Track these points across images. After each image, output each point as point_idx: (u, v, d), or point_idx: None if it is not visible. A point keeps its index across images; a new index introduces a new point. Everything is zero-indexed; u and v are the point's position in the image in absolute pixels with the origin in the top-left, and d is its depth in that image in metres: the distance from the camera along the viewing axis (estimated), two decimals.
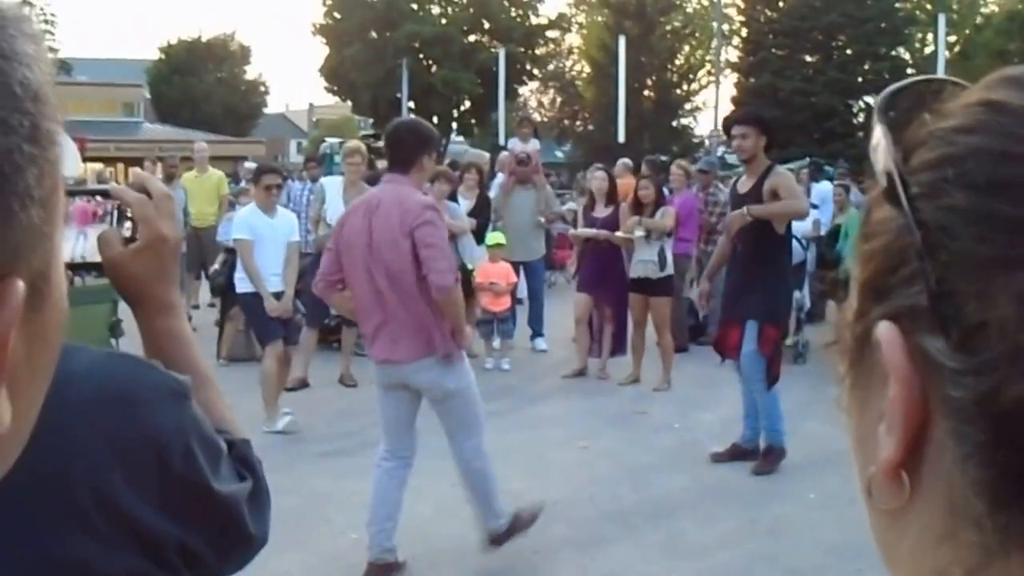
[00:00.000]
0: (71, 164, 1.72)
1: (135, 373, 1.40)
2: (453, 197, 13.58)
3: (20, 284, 0.68)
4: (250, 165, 31.46)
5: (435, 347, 6.64)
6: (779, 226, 9.16)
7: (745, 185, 9.24)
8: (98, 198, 1.80)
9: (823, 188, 17.47)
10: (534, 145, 14.94)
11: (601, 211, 12.38)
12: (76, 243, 1.67)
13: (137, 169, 1.85)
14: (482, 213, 14.08)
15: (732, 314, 9.25)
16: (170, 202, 1.70)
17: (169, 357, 1.62)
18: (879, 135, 0.70)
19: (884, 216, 0.69)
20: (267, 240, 10.35)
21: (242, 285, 10.48)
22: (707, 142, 48.80)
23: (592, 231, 12.32)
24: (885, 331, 0.66)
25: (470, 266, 13.29)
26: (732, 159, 40.59)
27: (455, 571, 6.95)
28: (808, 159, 26.53)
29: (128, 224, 1.67)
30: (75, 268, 1.79)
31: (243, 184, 18.92)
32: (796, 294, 13.44)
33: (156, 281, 1.69)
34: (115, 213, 1.64)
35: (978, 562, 0.65)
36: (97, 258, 1.63)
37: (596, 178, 13.00)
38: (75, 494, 1.27)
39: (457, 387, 6.91)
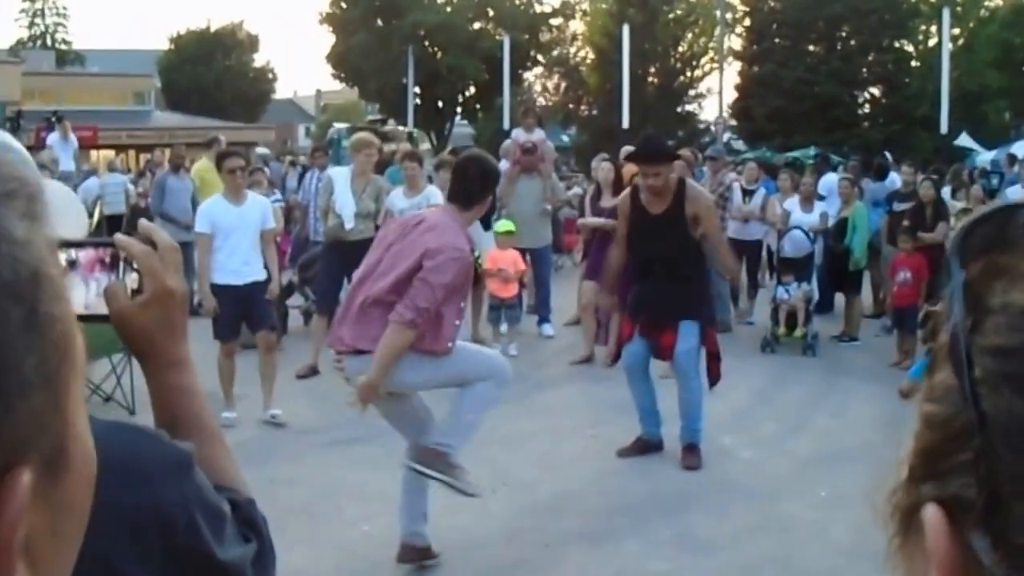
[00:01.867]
0: (74, 224, 1.69)
1: (138, 445, 1.38)
2: None
3: (24, 477, 0.65)
4: (261, 151, 31.53)
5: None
6: (715, 240, 9.33)
7: (655, 206, 8.93)
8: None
9: (829, 180, 17.40)
10: (539, 135, 14.89)
11: (608, 201, 12.36)
12: (83, 291, 1.63)
13: (143, 220, 1.81)
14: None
15: (662, 316, 8.97)
16: (176, 254, 1.66)
17: (176, 412, 1.62)
18: (953, 285, 0.65)
19: (947, 382, 0.64)
20: (234, 229, 10.05)
21: (218, 277, 10.14)
22: (712, 128, 48.73)
23: (600, 220, 12.30)
24: (932, 518, 0.63)
25: (477, 252, 13.27)
26: (738, 145, 40.70)
27: (465, 564, 6.92)
28: (814, 150, 26.53)
29: (134, 275, 1.62)
30: (82, 320, 1.73)
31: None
32: (804, 286, 13.45)
33: (163, 335, 1.66)
34: (122, 264, 1.60)
35: None
36: (103, 309, 1.58)
37: (602, 168, 13.03)
38: (82, 569, 1.24)
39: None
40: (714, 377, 9.17)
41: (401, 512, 6.86)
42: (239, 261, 10.04)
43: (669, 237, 8.81)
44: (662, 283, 8.88)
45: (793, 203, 15.06)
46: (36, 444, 0.66)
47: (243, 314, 10.11)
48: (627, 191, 9.52)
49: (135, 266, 1.61)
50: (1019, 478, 0.58)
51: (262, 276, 10.21)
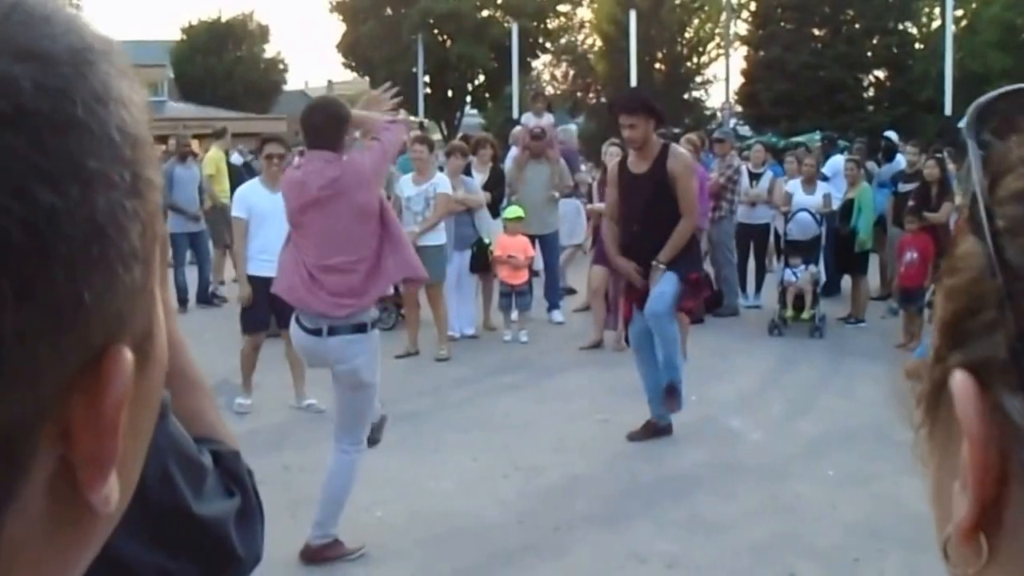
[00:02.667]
0: None
1: None
2: (467, 171, 13.60)
3: (128, 353, 0.62)
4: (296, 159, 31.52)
5: None
6: (687, 208, 8.93)
7: (638, 166, 8.95)
8: None
9: (836, 161, 17.37)
10: (548, 119, 14.94)
11: None
12: None
13: None
14: (496, 187, 14.08)
15: (645, 274, 8.96)
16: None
17: None
18: (970, 152, 0.63)
19: (967, 249, 0.62)
20: (270, 217, 9.62)
21: (252, 267, 10.04)
22: (719, 114, 48.63)
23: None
24: (960, 384, 0.60)
25: (487, 240, 13.32)
26: (744, 131, 40.59)
27: (477, 547, 6.94)
28: (819, 133, 26.45)
29: None
30: None
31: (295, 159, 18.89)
32: (811, 268, 13.45)
33: None
34: None
35: None
36: None
37: (611, 154, 13.00)
38: None
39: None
40: (688, 311, 9.46)
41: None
42: (273, 250, 9.76)
43: (650, 195, 8.78)
44: (646, 243, 8.84)
45: (795, 185, 15.06)
46: (131, 323, 0.64)
47: (273, 306, 9.65)
48: (618, 158, 9.50)
49: None
50: None
51: None
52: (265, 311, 9.83)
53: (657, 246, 8.77)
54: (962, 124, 0.66)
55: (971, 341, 0.60)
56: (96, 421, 0.60)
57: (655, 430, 9.20)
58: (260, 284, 9.49)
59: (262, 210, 9.94)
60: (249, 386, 10.08)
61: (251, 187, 10.40)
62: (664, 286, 8.77)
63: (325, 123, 6.82)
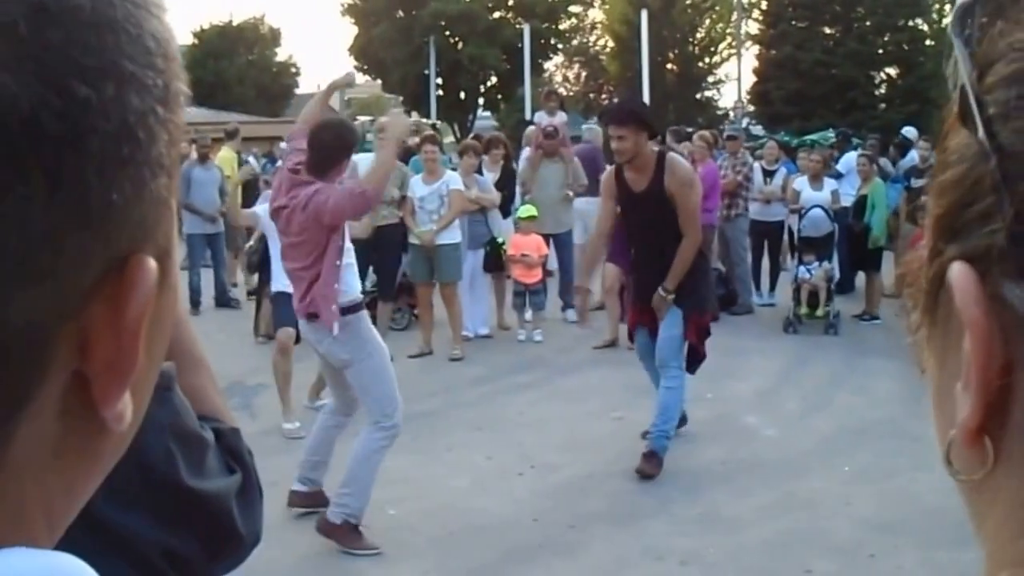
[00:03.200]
0: None
1: None
2: (478, 170, 13.61)
3: (153, 263, 0.62)
4: (285, 146, 31.71)
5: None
6: (687, 225, 8.30)
7: (638, 183, 8.37)
8: None
9: (849, 158, 17.27)
10: (561, 118, 14.92)
11: None
12: None
13: None
14: (507, 186, 14.09)
15: (649, 303, 8.47)
16: None
17: None
18: (955, 50, 0.61)
19: (959, 142, 0.60)
20: None
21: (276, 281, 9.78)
22: (731, 114, 48.65)
23: None
24: (958, 275, 0.58)
25: (500, 239, 13.32)
26: (757, 130, 40.59)
27: (492, 545, 6.94)
28: (832, 131, 26.41)
29: None
30: None
31: (278, 164, 18.94)
32: (825, 265, 13.43)
33: None
34: None
35: None
36: None
37: None
38: None
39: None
40: (697, 358, 8.67)
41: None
42: None
43: (652, 215, 8.31)
44: (650, 267, 8.48)
45: (803, 182, 15.02)
46: (154, 235, 0.63)
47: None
48: (610, 168, 8.97)
49: None
50: None
51: None
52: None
53: (665, 268, 8.29)
54: (947, 21, 0.65)
55: (967, 232, 0.58)
56: (117, 329, 0.60)
57: (659, 461, 8.39)
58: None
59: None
60: (289, 405, 9.80)
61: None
62: (672, 328, 8.36)
63: (331, 143, 7.04)
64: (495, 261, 13.36)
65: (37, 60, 0.54)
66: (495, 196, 13.31)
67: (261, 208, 10.32)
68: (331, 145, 6.98)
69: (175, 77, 0.63)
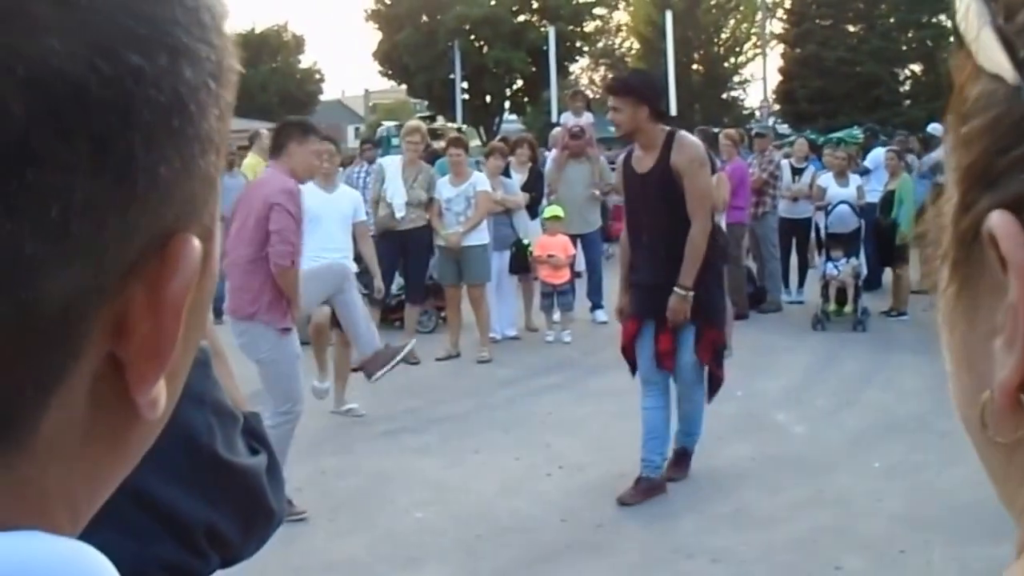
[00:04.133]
0: None
1: None
2: (506, 172, 13.61)
3: (197, 243, 0.60)
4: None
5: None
6: (693, 208, 7.46)
7: (642, 163, 7.63)
8: None
9: (877, 154, 17.28)
10: (587, 118, 14.89)
11: None
12: None
13: None
14: (534, 187, 14.07)
15: (652, 314, 7.66)
16: None
17: None
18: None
19: (983, 90, 0.57)
20: (325, 217, 9.61)
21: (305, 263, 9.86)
22: (757, 113, 48.72)
23: None
24: (1001, 222, 0.55)
25: (525, 240, 13.31)
26: (783, 129, 40.58)
27: (519, 546, 6.92)
28: (858, 128, 26.38)
29: None
30: None
31: None
32: (853, 261, 13.39)
33: None
34: None
35: None
36: None
37: None
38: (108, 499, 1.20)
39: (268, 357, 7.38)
40: (715, 384, 7.93)
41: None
42: (330, 248, 9.61)
43: (655, 198, 7.52)
44: (657, 258, 7.56)
45: (828, 178, 15.01)
46: (199, 214, 0.62)
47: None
48: (623, 154, 8.27)
49: None
50: None
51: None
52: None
53: (671, 262, 7.43)
54: None
55: (1004, 180, 0.55)
56: (158, 311, 0.58)
57: (649, 488, 7.74)
58: None
59: (316, 210, 9.82)
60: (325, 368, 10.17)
61: (306, 188, 10.26)
62: (691, 352, 7.65)
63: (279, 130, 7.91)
64: (521, 263, 13.34)
65: (87, 25, 0.52)
66: (520, 197, 13.30)
67: None
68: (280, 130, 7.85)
69: (228, 54, 0.63)
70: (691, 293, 7.36)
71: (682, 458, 8.16)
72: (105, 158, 0.52)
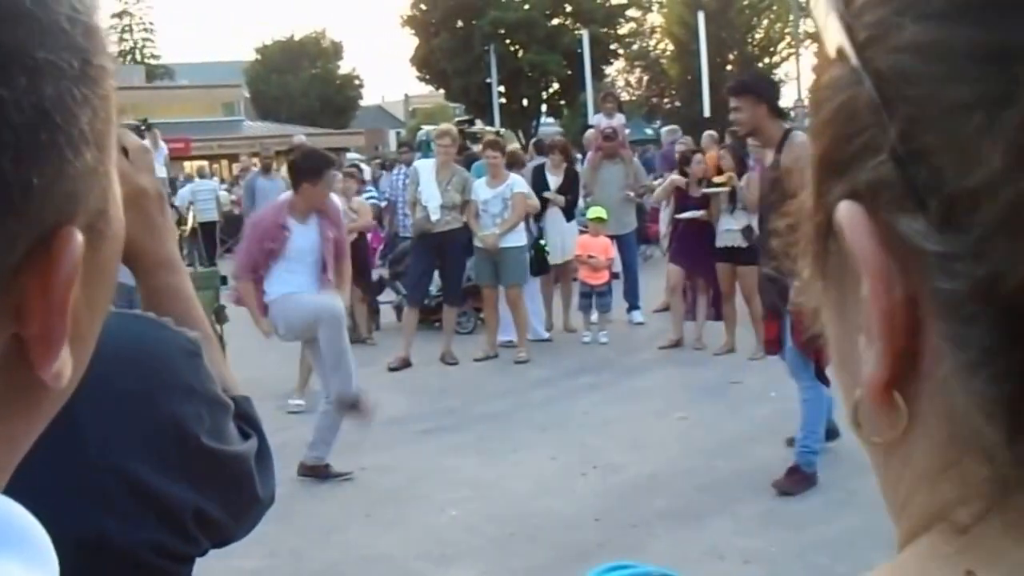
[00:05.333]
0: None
1: (147, 334, 1.38)
2: (541, 175, 13.64)
3: (78, 235, 0.63)
4: (352, 156, 31.94)
5: None
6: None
7: (766, 159, 8.29)
8: None
9: None
10: (619, 119, 14.91)
11: (695, 189, 12.31)
12: None
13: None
14: (571, 189, 14.08)
15: (766, 303, 8.52)
16: (147, 155, 1.65)
17: (165, 315, 1.54)
18: None
19: (832, 77, 0.56)
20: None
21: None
22: (792, 113, 48.54)
23: (690, 214, 12.20)
24: (847, 213, 0.54)
25: (544, 243, 13.35)
26: None
27: (553, 545, 6.94)
28: None
29: None
30: None
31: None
32: None
33: (144, 236, 1.63)
34: None
35: (989, 501, 0.52)
36: None
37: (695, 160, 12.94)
38: (91, 467, 1.25)
39: None
40: (819, 372, 7.88)
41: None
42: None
43: (768, 190, 8.18)
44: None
45: None
46: (84, 204, 0.65)
47: None
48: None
49: None
50: (927, 113, 0.50)
51: None
52: None
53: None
54: None
55: (851, 168, 0.54)
56: (48, 296, 0.62)
57: (803, 477, 7.94)
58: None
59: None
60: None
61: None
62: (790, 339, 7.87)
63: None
64: (540, 266, 13.35)
65: None
66: (535, 202, 13.18)
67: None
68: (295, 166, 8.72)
69: (96, 52, 0.64)
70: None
71: (792, 472, 7.95)
72: None
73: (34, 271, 0.61)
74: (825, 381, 7.83)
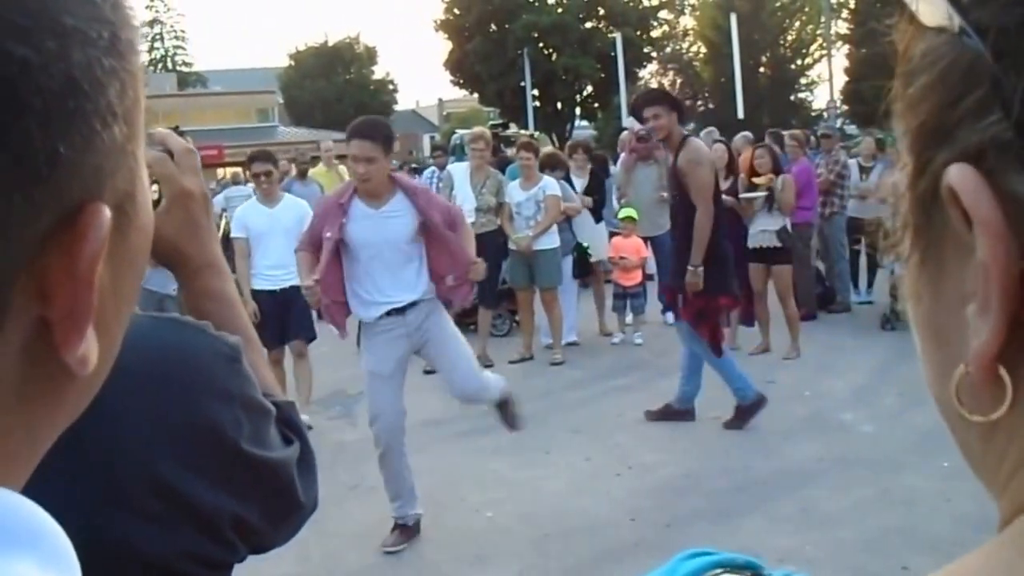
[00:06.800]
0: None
1: (184, 339, 1.34)
2: (567, 178, 13.66)
3: (106, 210, 0.62)
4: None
5: None
6: (696, 199, 9.06)
7: (669, 159, 9.48)
8: None
9: None
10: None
11: (722, 183, 12.30)
12: None
13: (159, 129, 1.66)
14: (596, 192, 14.09)
15: (672, 282, 9.73)
16: (192, 157, 1.62)
17: (208, 318, 1.51)
18: None
19: (928, 46, 0.55)
20: (267, 233, 9.91)
21: (255, 282, 10.05)
22: (825, 114, 48.45)
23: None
24: (959, 175, 0.52)
25: (586, 244, 13.36)
26: (851, 129, 40.27)
27: (588, 545, 6.96)
28: None
29: (153, 187, 1.54)
30: None
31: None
32: None
33: (188, 238, 1.60)
34: None
35: None
36: None
37: (716, 151, 12.91)
38: (121, 471, 1.23)
39: None
40: (713, 346, 9.27)
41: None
42: (272, 265, 9.87)
43: (673, 189, 9.46)
44: (676, 244, 9.48)
45: None
46: (112, 182, 0.64)
47: (282, 320, 9.95)
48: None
49: (153, 178, 1.54)
50: None
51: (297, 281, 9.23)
52: (274, 326, 9.84)
53: (683, 241, 9.18)
54: None
55: (958, 132, 0.52)
56: (73, 275, 0.61)
57: (746, 410, 9.39)
58: (264, 298, 9.86)
59: (259, 228, 10.03)
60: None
61: (248, 207, 10.35)
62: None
63: None
64: (582, 267, 13.39)
65: None
66: (579, 204, 13.29)
67: None
68: None
69: (125, 25, 0.64)
70: (700, 268, 9.02)
71: (740, 409, 9.42)
72: (3, 145, 0.56)
73: (59, 248, 0.61)
74: (717, 353, 9.17)
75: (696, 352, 9.43)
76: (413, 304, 6.97)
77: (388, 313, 6.97)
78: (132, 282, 0.72)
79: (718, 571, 0.81)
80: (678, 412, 9.64)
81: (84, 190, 0.62)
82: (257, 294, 9.87)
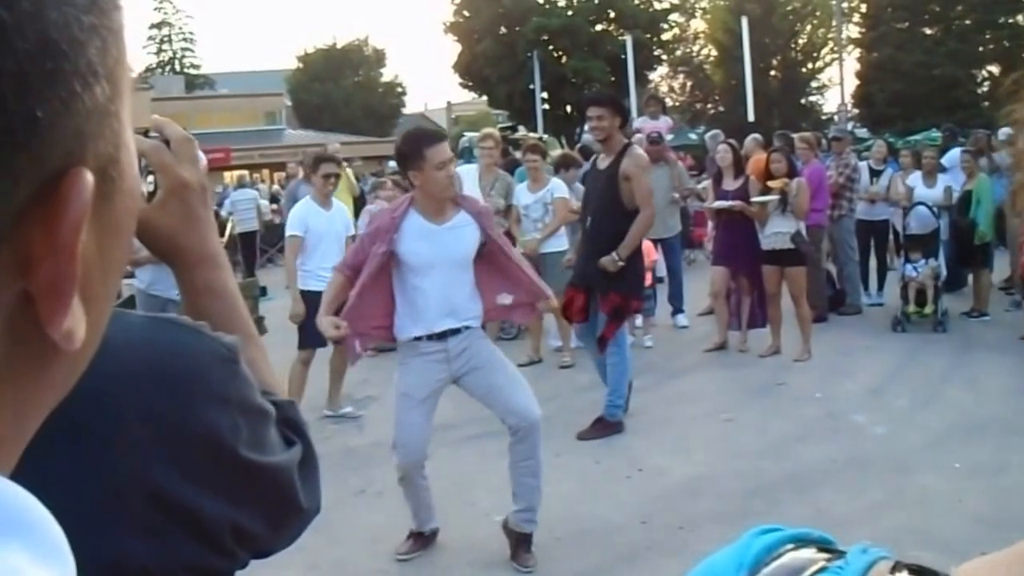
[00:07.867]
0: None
1: (179, 340, 1.28)
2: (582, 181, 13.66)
3: (88, 175, 0.60)
4: (394, 164, 32.03)
5: None
6: (640, 203, 9.25)
7: (604, 161, 9.50)
8: None
9: (953, 154, 17.08)
10: (666, 123, 14.91)
11: (730, 183, 12.30)
12: None
13: (155, 116, 1.58)
14: None
15: (578, 281, 9.73)
16: (190, 145, 1.55)
17: (207, 315, 1.48)
18: None
19: None
20: (326, 236, 10.12)
21: (304, 281, 10.11)
22: (836, 118, 48.48)
23: (725, 203, 12.17)
24: None
25: None
26: (862, 133, 40.28)
27: (599, 548, 6.94)
28: (936, 131, 26.10)
29: (150, 178, 1.51)
30: None
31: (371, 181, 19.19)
32: (932, 263, 13.27)
33: (186, 231, 1.55)
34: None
35: None
36: None
37: (721, 150, 12.90)
38: (113, 480, 1.18)
39: None
40: (601, 340, 9.50)
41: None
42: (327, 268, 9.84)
43: (603, 189, 9.40)
44: (595, 238, 9.49)
45: (916, 178, 14.99)
46: (94, 145, 0.61)
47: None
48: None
49: (149, 168, 1.51)
50: None
51: None
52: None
53: (604, 242, 9.26)
54: None
55: None
56: (53, 244, 0.59)
57: (606, 426, 9.56)
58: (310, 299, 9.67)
59: (317, 230, 10.14)
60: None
61: (304, 205, 10.41)
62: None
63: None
64: None
65: None
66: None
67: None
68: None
69: None
70: (621, 263, 9.21)
71: (600, 422, 9.62)
72: None
73: (40, 216, 0.59)
74: (602, 349, 9.44)
75: (614, 362, 9.52)
76: (456, 331, 6.69)
77: (430, 337, 6.68)
78: (119, 250, 0.70)
79: (790, 546, 0.83)
80: (610, 425, 9.62)
81: (65, 155, 0.59)
82: (309, 294, 9.82)
